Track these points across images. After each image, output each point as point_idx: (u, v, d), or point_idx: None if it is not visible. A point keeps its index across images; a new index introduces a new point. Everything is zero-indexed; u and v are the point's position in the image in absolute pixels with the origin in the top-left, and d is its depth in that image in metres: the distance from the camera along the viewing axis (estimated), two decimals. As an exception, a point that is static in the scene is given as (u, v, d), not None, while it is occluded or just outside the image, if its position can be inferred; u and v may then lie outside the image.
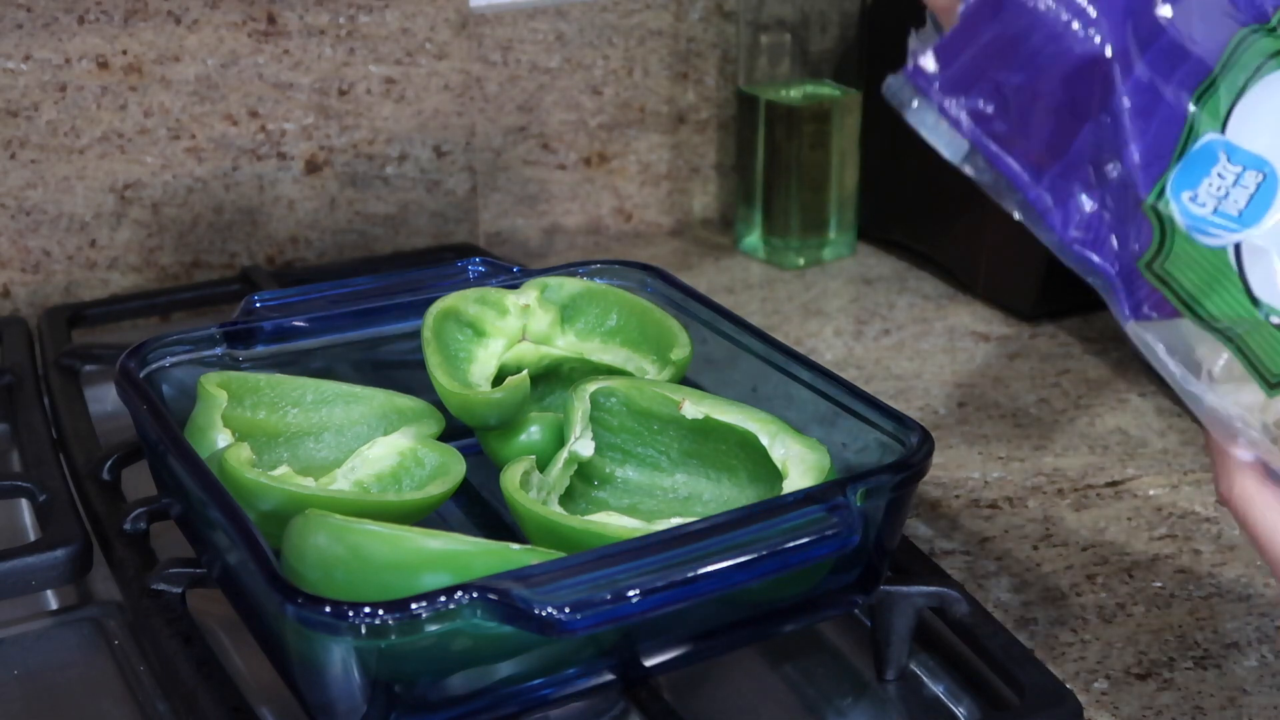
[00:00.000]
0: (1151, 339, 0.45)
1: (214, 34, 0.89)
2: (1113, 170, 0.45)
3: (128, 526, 0.60)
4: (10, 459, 0.70)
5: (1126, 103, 0.44)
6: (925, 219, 0.98)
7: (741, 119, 1.00)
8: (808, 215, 0.99)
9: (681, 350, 0.64)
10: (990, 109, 0.46)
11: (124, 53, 0.87)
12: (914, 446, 0.53)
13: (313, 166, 0.94)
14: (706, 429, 0.59)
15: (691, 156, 1.06)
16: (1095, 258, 0.45)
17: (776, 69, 0.97)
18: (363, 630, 0.43)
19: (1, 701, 0.55)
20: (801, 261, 0.99)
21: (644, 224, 1.06)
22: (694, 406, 0.59)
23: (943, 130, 0.46)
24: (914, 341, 0.87)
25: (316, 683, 0.46)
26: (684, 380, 0.64)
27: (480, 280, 0.68)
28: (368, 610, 0.43)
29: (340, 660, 0.44)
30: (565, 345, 0.66)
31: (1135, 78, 0.44)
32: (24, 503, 0.67)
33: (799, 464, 0.55)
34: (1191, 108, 0.44)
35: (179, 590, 0.56)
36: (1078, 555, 0.65)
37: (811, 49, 0.97)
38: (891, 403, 0.64)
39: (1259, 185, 0.44)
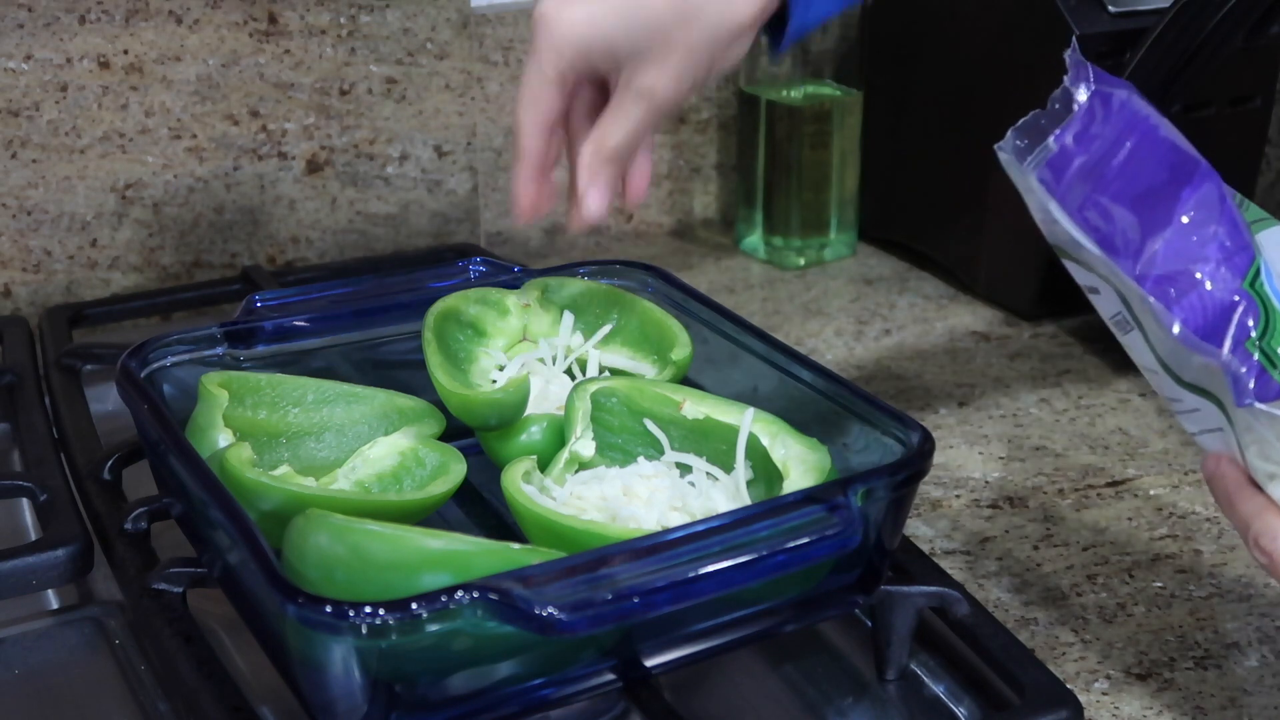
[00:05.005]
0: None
1: (215, 34, 0.89)
2: (1211, 260, 0.46)
3: (128, 526, 0.60)
4: (11, 458, 0.70)
5: (1214, 195, 0.47)
6: (926, 219, 0.98)
7: (742, 119, 1.00)
8: (808, 215, 0.99)
9: (682, 350, 0.64)
10: (1101, 211, 0.48)
11: (125, 52, 0.87)
12: (914, 446, 0.53)
13: (314, 166, 0.94)
14: (707, 429, 0.59)
15: (692, 156, 1.06)
16: (1209, 344, 0.46)
17: (777, 69, 0.97)
18: (363, 630, 0.43)
19: (2, 701, 0.55)
20: (802, 261, 0.99)
21: (645, 224, 1.06)
22: (694, 406, 0.59)
23: (1054, 213, 0.48)
24: (914, 341, 0.87)
25: (317, 682, 0.46)
26: (684, 380, 0.64)
27: (481, 280, 0.68)
28: (368, 610, 0.43)
29: (341, 660, 0.44)
30: (565, 345, 0.66)
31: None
32: (25, 502, 0.67)
33: (799, 464, 0.55)
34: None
35: (180, 590, 0.56)
36: (1078, 555, 0.65)
37: (812, 49, 0.96)
38: (892, 403, 0.64)
39: None
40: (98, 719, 0.54)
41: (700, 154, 1.06)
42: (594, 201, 0.60)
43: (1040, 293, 0.89)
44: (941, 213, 0.96)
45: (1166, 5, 0.74)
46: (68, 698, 0.55)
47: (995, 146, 0.51)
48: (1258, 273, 0.46)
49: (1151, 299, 0.46)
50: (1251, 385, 0.45)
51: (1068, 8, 0.81)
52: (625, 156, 0.60)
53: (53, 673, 0.56)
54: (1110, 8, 0.81)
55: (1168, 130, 0.48)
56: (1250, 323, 0.45)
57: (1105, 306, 0.50)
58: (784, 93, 0.97)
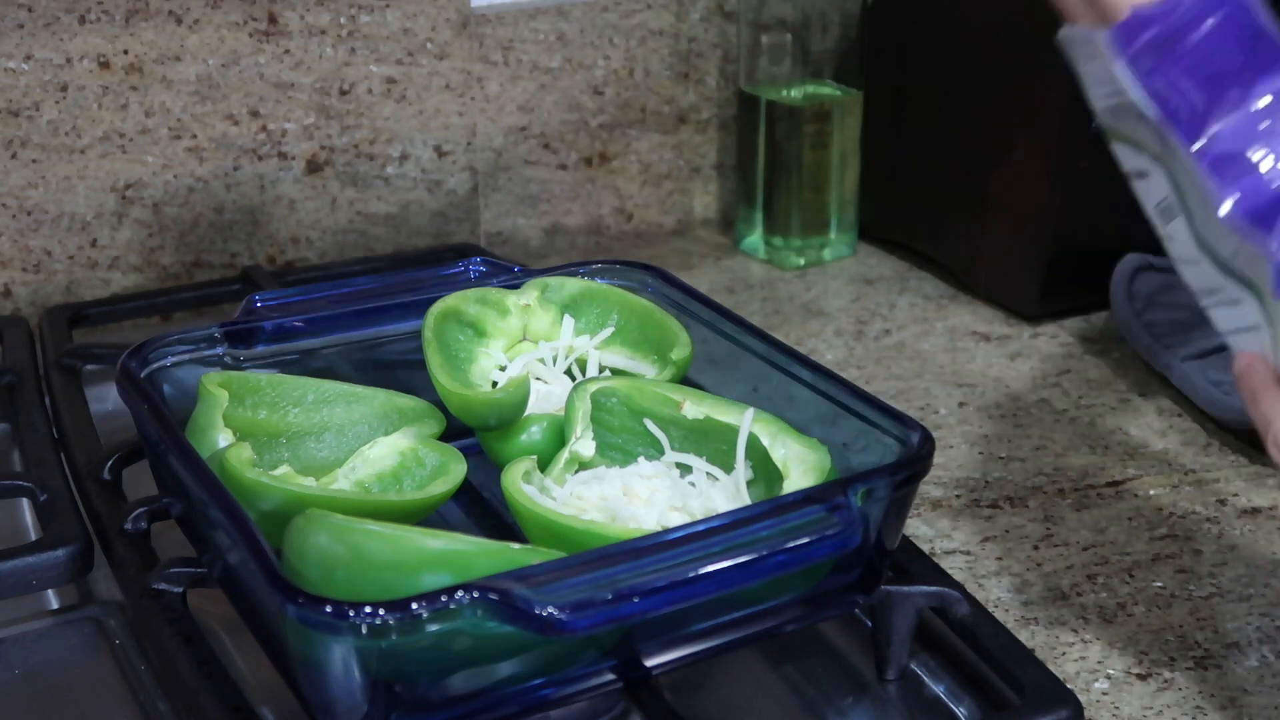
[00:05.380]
0: None
1: (215, 34, 0.89)
2: (1274, 150, 0.46)
3: (128, 526, 0.60)
4: (11, 458, 0.70)
5: None
6: (926, 219, 0.98)
7: (742, 119, 1.00)
8: (808, 215, 0.99)
9: (682, 350, 0.64)
10: (1169, 82, 0.47)
11: (125, 52, 0.87)
12: (915, 446, 0.53)
13: (314, 166, 0.94)
14: (707, 429, 0.59)
15: (692, 156, 1.06)
16: (1261, 230, 0.46)
17: (777, 69, 0.97)
18: (364, 630, 0.43)
19: (2, 701, 0.55)
20: (802, 261, 0.99)
21: (645, 224, 1.06)
22: (694, 407, 0.59)
23: (1118, 74, 0.48)
24: (914, 341, 0.87)
25: (317, 682, 0.46)
26: (684, 380, 0.64)
27: (481, 280, 0.68)
28: (368, 610, 0.43)
29: (341, 660, 0.44)
30: (566, 346, 0.66)
31: None
32: (25, 502, 0.67)
33: (800, 464, 0.55)
34: None
35: (180, 590, 0.56)
36: (1078, 555, 0.65)
37: (812, 49, 0.97)
38: (892, 403, 0.64)
39: None
40: (98, 719, 0.54)
41: (700, 154, 1.06)
42: None
43: (1040, 293, 0.89)
44: (941, 213, 0.96)
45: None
46: (68, 698, 0.55)
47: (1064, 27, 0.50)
48: None
49: (1207, 176, 0.46)
50: None
51: (1068, 8, 0.81)
52: None
53: (53, 673, 0.56)
54: (1110, 7, 0.81)
55: (1258, 12, 0.48)
56: None
57: (1151, 192, 0.49)
58: (784, 93, 0.97)
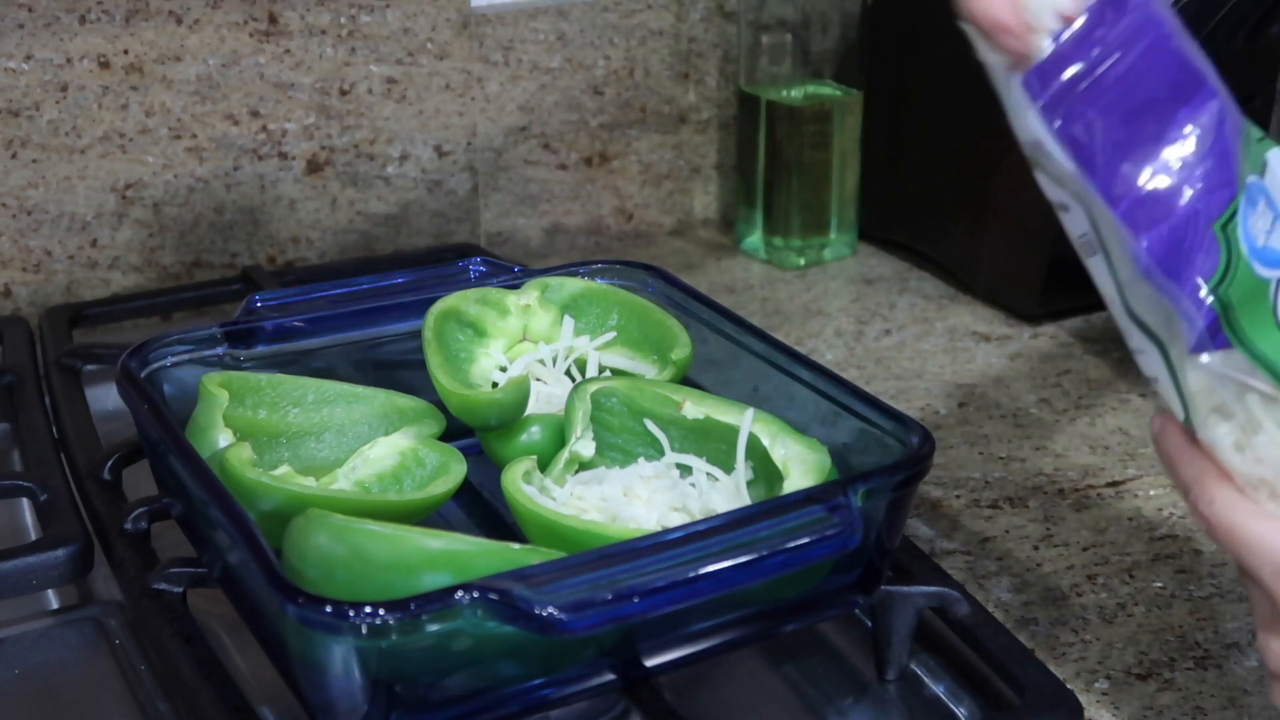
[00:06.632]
0: (1217, 369, 0.43)
1: (215, 34, 0.89)
2: (1190, 192, 0.43)
3: (128, 526, 0.60)
4: (11, 458, 0.70)
5: (1207, 126, 0.44)
6: (926, 219, 0.98)
7: (743, 119, 1.00)
8: (808, 215, 0.99)
9: (682, 350, 0.64)
10: (1086, 124, 0.44)
11: (125, 52, 0.87)
12: (915, 447, 0.53)
13: (314, 166, 0.94)
14: (707, 429, 0.59)
15: (692, 156, 1.06)
16: (1172, 282, 0.43)
17: (778, 69, 0.97)
18: (364, 630, 0.43)
19: (2, 701, 0.55)
20: (802, 262, 0.99)
21: (645, 224, 1.06)
22: (695, 407, 0.59)
23: (1030, 121, 0.45)
24: (915, 342, 0.87)
25: (317, 682, 0.46)
26: (684, 380, 0.64)
27: (481, 280, 0.68)
28: (369, 610, 0.43)
29: (341, 660, 0.44)
30: (566, 346, 0.66)
31: (1221, 102, 0.44)
32: (25, 502, 0.67)
33: (800, 464, 0.55)
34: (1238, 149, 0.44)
35: (180, 590, 0.56)
36: (1078, 555, 0.65)
37: (813, 49, 0.96)
38: (892, 403, 0.64)
39: None
40: (98, 719, 0.54)
41: (700, 154, 1.06)
42: None
43: (1040, 293, 0.89)
44: (942, 213, 0.96)
45: (1167, 5, 0.74)
46: (68, 698, 0.55)
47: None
48: (1233, 215, 0.43)
49: (1122, 225, 0.43)
50: (1203, 331, 0.42)
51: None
52: None
53: (53, 673, 0.56)
54: (1110, 8, 0.81)
55: (1181, 41, 0.45)
56: (1211, 265, 0.43)
57: (1074, 225, 0.46)
58: (784, 93, 0.97)
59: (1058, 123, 0.44)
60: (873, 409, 0.56)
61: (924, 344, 0.87)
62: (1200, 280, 0.43)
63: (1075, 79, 0.44)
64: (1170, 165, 0.44)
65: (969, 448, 0.75)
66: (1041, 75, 0.44)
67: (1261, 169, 0.45)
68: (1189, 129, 0.44)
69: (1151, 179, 0.43)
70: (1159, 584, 0.63)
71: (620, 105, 1.02)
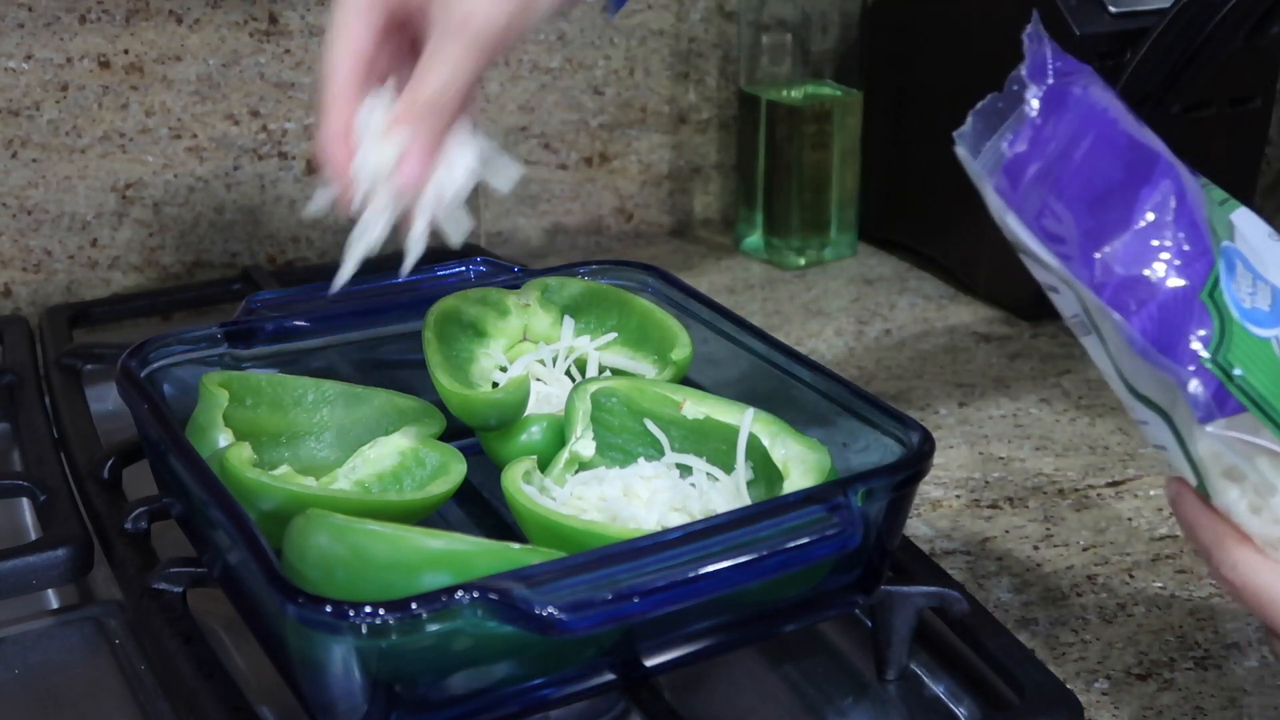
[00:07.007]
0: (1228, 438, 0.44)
1: (215, 33, 0.89)
2: (1169, 267, 0.44)
3: (128, 526, 0.60)
4: (11, 458, 0.70)
5: (1173, 199, 0.45)
6: (926, 219, 0.98)
7: (743, 119, 1.00)
8: (809, 215, 0.99)
9: (682, 350, 0.64)
10: (1057, 218, 0.45)
11: (125, 52, 0.87)
12: (915, 446, 0.53)
13: (314, 166, 0.94)
14: (707, 429, 0.59)
15: (693, 156, 1.06)
16: (1169, 358, 0.44)
17: (778, 69, 0.97)
18: (364, 630, 0.43)
19: (2, 701, 0.55)
20: (802, 262, 0.99)
21: (645, 224, 1.06)
22: (695, 407, 0.59)
23: (1009, 221, 0.47)
24: (915, 341, 0.87)
25: (317, 682, 0.46)
26: (684, 380, 0.64)
27: (481, 280, 0.68)
28: (369, 610, 0.43)
29: (341, 660, 0.44)
30: (567, 347, 0.66)
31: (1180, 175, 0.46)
32: (25, 502, 0.67)
33: (800, 464, 0.55)
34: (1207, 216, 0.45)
35: (180, 590, 0.56)
36: (1078, 555, 0.65)
37: (813, 49, 0.97)
38: (892, 403, 0.64)
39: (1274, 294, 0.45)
40: (98, 719, 0.54)
41: (700, 154, 1.06)
42: (411, 168, 0.53)
43: (1040, 293, 0.88)
44: (942, 213, 0.96)
45: (1167, 5, 0.74)
46: (68, 698, 0.55)
47: (955, 134, 0.49)
48: (1216, 281, 0.44)
49: (1110, 309, 0.44)
50: (1209, 399, 0.43)
51: (1068, 8, 0.81)
52: (448, 108, 0.52)
53: (53, 673, 0.56)
54: (1111, 8, 0.81)
55: (1126, 123, 0.46)
56: (1206, 334, 0.43)
57: (1065, 306, 0.48)
58: (784, 93, 0.97)
59: (1032, 219, 0.46)
60: (873, 409, 0.56)
61: (924, 344, 0.87)
62: (1198, 350, 0.43)
63: (1038, 176, 0.46)
64: (1145, 245, 0.44)
65: (969, 448, 0.75)
66: (1009, 176, 0.46)
67: (1230, 233, 0.46)
68: (1153, 207, 0.45)
69: (1130, 262, 0.44)
70: (1159, 584, 0.63)
71: (620, 105, 1.02)
